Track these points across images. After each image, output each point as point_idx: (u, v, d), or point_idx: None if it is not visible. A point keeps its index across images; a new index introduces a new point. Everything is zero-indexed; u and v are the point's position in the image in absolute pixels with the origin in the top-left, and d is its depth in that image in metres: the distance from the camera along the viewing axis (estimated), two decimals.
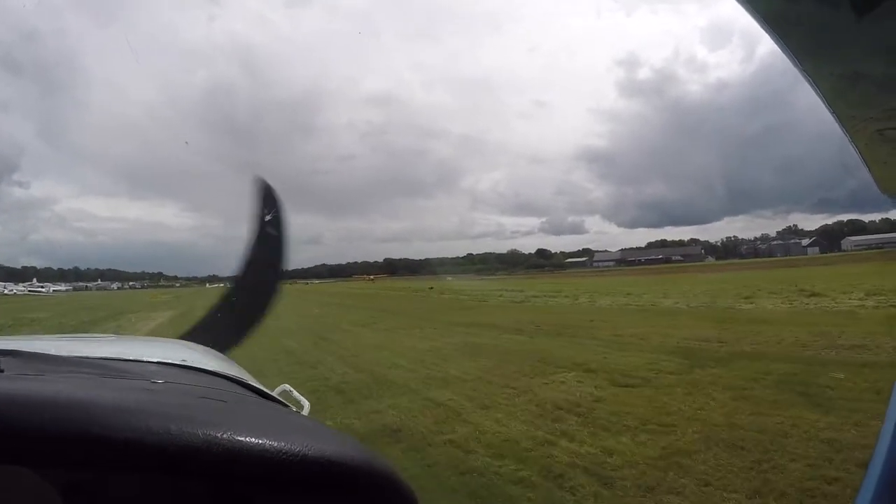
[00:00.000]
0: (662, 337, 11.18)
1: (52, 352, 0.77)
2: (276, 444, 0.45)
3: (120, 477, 0.49)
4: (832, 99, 0.90)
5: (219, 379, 0.85)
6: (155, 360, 0.85)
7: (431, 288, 42.36)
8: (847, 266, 35.24)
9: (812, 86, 0.85)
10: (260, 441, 0.45)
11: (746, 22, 0.73)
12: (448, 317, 18.11)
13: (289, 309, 25.83)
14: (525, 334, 12.61)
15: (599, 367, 8.27)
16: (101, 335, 1.44)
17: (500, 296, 27.35)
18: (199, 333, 1.53)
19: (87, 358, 0.79)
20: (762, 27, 0.73)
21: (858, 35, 0.70)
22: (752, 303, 17.00)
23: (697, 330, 11.87)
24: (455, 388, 7.31)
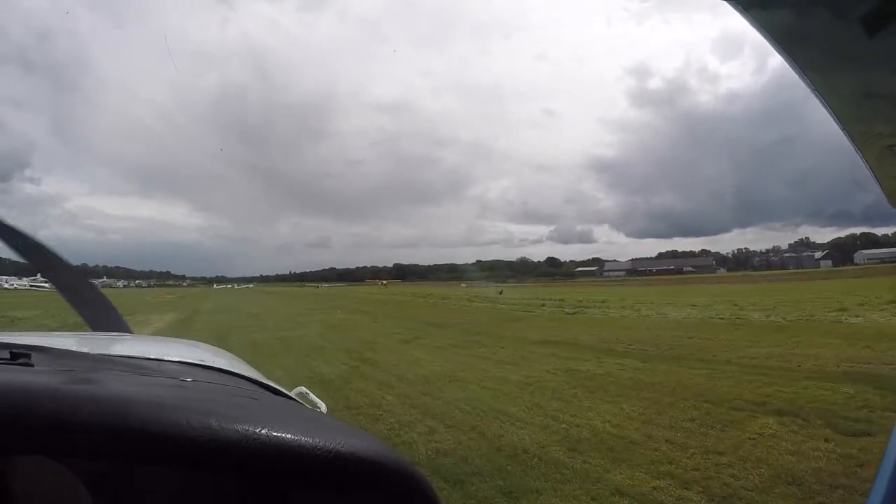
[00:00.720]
0: (807, 358, 9.18)
1: (75, 348, 0.77)
2: (311, 441, 0.45)
3: (157, 472, 0.47)
4: (842, 115, 0.86)
5: (239, 378, 0.83)
6: (176, 359, 0.84)
7: (501, 293, 39.01)
8: (882, 278, 33.92)
9: (821, 101, 0.81)
10: (296, 437, 0.45)
11: (759, 33, 0.70)
12: (505, 330, 15.64)
13: (309, 316, 23.37)
14: (630, 357, 10.12)
15: (793, 408, 6.20)
16: (117, 333, 1.32)
17: (542, 305, 24.98)
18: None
19: (111, 355, 0.80)
20: (770, 43, 0.70)
21: (869, 52, 0.67)
22: (857, 315, 14.97)
23: (834, 349, 9.87)
24: (636, 462, 4.67)
